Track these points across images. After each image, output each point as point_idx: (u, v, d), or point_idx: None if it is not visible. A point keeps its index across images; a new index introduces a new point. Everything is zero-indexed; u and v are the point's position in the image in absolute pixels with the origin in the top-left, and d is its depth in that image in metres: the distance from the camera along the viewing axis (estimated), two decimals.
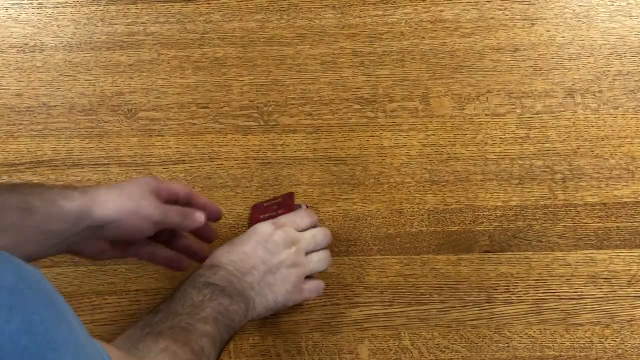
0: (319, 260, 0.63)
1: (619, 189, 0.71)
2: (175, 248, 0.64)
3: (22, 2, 0.82)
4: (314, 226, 0.65)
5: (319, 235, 0.64)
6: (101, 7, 0.82)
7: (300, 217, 0.65)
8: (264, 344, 0.66)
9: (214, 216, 0.66)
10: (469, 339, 0.66)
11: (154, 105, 0.77)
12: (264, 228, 0.62)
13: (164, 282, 0.69)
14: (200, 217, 0.61)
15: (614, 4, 0.79)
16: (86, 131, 0.76)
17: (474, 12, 0.80)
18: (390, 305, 0.67)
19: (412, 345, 0.66)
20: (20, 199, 0.51)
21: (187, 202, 0.62)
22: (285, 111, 0.76)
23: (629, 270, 0.68)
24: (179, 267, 0.63)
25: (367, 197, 0.72)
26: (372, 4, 0.81)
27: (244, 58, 0.79)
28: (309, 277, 0.63)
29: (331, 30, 0.80)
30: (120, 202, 0.55)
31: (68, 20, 0.81)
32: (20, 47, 0.80)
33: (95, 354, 0.37)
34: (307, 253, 0.63)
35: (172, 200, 0.61)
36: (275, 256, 0.60)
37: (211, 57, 0.79)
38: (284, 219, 0.64)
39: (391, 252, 0.69)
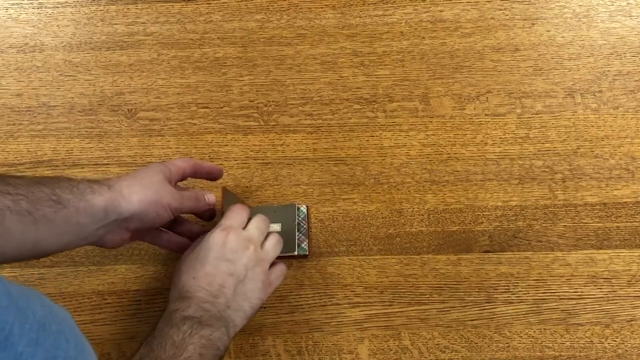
0: (273, 246, 0.63)
1: (619, 189, 0.71)
2: (179, 232, 0.65)
3: (22, 2, 0.82)
4: (250, 217, 0.64)
5: (260, 222, 0.63)
6: (101, 7, 0.82)
7: (239, 214, 0.63)
8: (264, 344, 0.66)
9: (219, 176, 0.68)
10: (469, 339, 0.66)
11: (154, 105, 0.77)
12: (216, 239, 0.60)
13: (163, 282, 0.69)
14: (210, 198, 0.64)
15: (614, 4, 0.79)
16: (86, 131, 0.76)
17: (474, 12, 0.80)
18: (390, 305, 0.67)
19: (412, 345, 0.66)
20: (51, 192, 0.52)
21: (193, 173, 0.64)
22: (285, 111, 0.76)
23: (629, 270, 0.68)
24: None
25: (367, 197, 0.72)
26: (372, 4, 0.81)
27: (244, 58, 0.79)
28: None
29: (331, 30, 0.80)
30: (143, 193, 0.56)
31: (68, 20, 0.81)
32: (20, 47, 0.80)
33: None
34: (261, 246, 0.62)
35: (181, 178, 0.63)
36: (238, 263, 0.59)
37: (211, 57, 0.79)
38: (227, 221, 0.62)
39: (391, 252, 0.69)
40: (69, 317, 0.36)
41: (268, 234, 0.64)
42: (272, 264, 0.63)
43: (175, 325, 0.54)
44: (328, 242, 0.69)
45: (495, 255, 0.69)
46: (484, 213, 0.71)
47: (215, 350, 0.55)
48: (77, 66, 0.79)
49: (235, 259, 0.59)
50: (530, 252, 0.69)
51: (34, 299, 0.33)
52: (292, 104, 0.76)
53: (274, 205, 0.71)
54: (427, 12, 0.80)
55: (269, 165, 0.74)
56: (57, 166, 0.74)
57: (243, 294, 0.59)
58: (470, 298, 0.67)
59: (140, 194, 0.56)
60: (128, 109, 0.77)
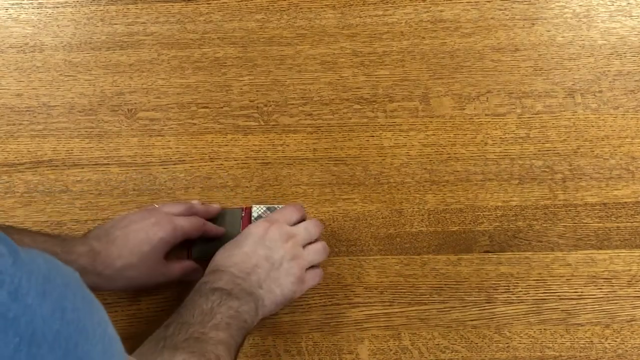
0: (316, 251, 0.64)
1: (619, 189, 0.71)
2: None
3: (22, 2, 0.82)
4: (304, 219, 0.65)
5: (311, 227, 0.64)
6: (101, 7, 0.82)
7: (290, 212, 0.65)
8: (264, 344, 0.66)
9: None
10: (469, 339, 0.66)
11: (154, 105, 0.77)
12: (258, 228, 0.62)
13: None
14: (196, 274, 0.65)
15: (614, 4, 0.79)
16: (86, 131, 0.76)
17: (474, 12, 0.80)
18: (390, 305, 0.67)
19: (412, 345, 0.66)
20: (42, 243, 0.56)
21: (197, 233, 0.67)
22: (285, 111, 0.76)
23: (629, 270, 0.68)
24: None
25: (367, 197, 0.72)
26: (372, 4, 0.81)
27: (244, 58, 0.79)
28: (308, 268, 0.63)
29: (331, 30, 0.80)
30: (132, 275, 0.60)
31: (68, 20, 0.81)
32: (20, 47, 0.80)
33: (121, 351, 0.37)
34: (303, 246, 0.63)
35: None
36: (275, 252, 0.60)
37: (211, 57, 0.79)
38: (275, 215, 0.64)
39: (391, 252, 0.69)
40: (76, 275, 0.36)
41: (317, 240, 0.65)
42: (310, 268, 0.64)
43: (204, 295, 0.55)
44: (328, 242, 0.69)
45: (495, 256, 0.69)
46: (484, 213, 0.71)
47: (242, 322, 0.55)
48: (77, 66, 0.79)
49: (273, 247, 0.60)
50: (530, 252, 0.69)
51: (37, 254, 0.34)
52: (292, 104, 0.76)
53: (223, 209, 0.71)
54: (427, 12, 0.80)
55: (269, 165, 0.74)
56: (57, 166, 0.74)
57: (276, 279, 0.60)
58: (471, 298, 0.67)
59: (129, 277, 0.60)
60: (128, 109, 0.77)
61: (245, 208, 0.71)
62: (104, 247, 0.58)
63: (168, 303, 0.67)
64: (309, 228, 0.64)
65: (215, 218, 0.70)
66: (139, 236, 0.60)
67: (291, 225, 0.64)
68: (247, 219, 0.70)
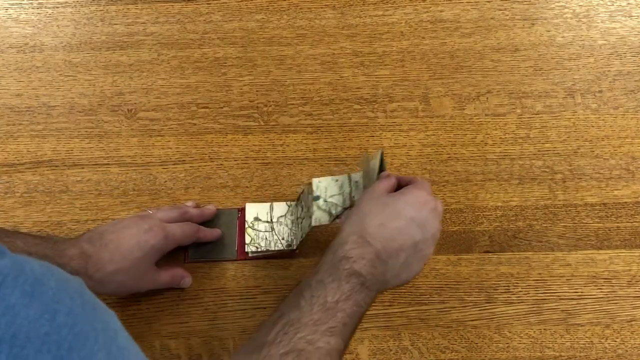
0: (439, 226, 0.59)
1: (619, 189, 0.71)
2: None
3: (22, 2, 0.82)
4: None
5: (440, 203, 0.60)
6: (101, 7, 0.82)
7: (428, 185, 0.59)
8: None
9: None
10: (469, 339, 0.66)
11: (154, 105, 0.77)
12: (421, 198, 0.56)
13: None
14: (186, 282, 0.67)
15: (614, 4, 0.79)
16: (86, 131, 0.76)
17: (474, 12, 0.80)
18: (390, 305, 0.67)
19: (412, 345, 0.66)
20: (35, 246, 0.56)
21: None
22: (285, 111, 0.76)
23: (629, 270, 0.68)
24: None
25: None
26: (372, 4, 0.81)
27: (244, 58, 0.79)
28: None
29: (331, 30, 0.80)
30: (122, 280, 0.60)
31: (68, 20, 0.81)
32: (20, 47, 0.80)
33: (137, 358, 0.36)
34: None
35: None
36: (425, 235, 0.55)
37: (211, 57, 0.79)
38: (426, 185, 0.58)
39: None
40: (79, 282, 0.35)
41: None
42: None
43: (337, 280, 0.51)
44: (328, 242, 0.69)
45: (495, 256, 0.69)
46: (484, 213, 0.71)
47: (360, 316, 0.52)
48: (77, 66, 0.79)
49: (426, 230, 0.55)
50: (530, 252, 0.69)
51: (31, 260, 0.33)
52: (292, 104, 0.76)
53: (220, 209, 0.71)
54: (427, 12, 0.80)
55: (269, 165, 0.74)
56: (57, 166, 0.74)
57: (409, 264, 0.55)
58: (470, 298, 0.67)
59: (120, 283, 0.60)
60: (128, 109, 0.77)
61: (241, 209, 0.71)
62: (96, 250, 0.58)
63: (168, 303, 0.67)
64: (440, 204, 0.59)
65: (211, 220, 0.70)
66: (131, 242, 0.60)
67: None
68: (243, 220, 0.70)
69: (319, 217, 0.64)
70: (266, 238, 0.69)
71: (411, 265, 0.56)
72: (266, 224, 0.70)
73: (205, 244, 0.68)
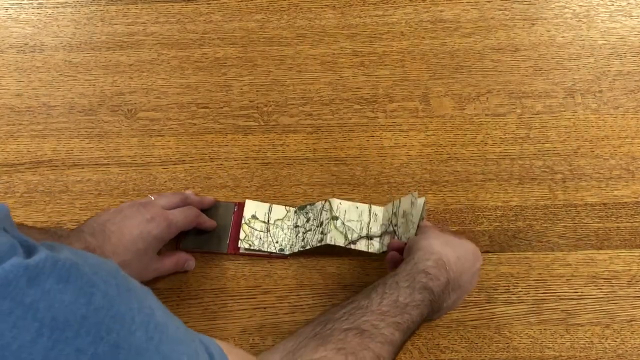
0: None
1: (619, 189, 0.71)
2: None
3: (22, 2, 0.82)
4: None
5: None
6: (101, 7, 0.82)
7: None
8: (264, 344, 0.66)
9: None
10: (469, 339, 0.66)
11: (154, 105, 0.77)
12: (476, 252, 0.60)
13: (164, 282, 0.69)
14: (190, 265, 0.68)
15: (614, 4, 0.79)
16: (86, 131, 0.76)
17: (474, 12, 0.80)
18: None
19: (412, 345, 0.66)
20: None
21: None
22: (285, 111, 0.76)
23: (629, 270, 0.68)
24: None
25: (367, 197, 0.72)
26: (372, 4, 0.81)
27: (244, 58, 0.79)
28: None
29: (331, 30, 0.80)
30: (125, 272, 0.60)
31: (68, 20, 0.81)
32: (20, 47, 0.80)
33: (177, 338, 0.36)
34: None
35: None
36: (478, 262, 0.60)
37: (211, 57, 0.79)
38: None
39: None
40: (113, 265, 0.36)
41: None
42: None
43: (411, 286, 0.53)
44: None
45: (495, 256, 0.69)
46: (484, 213, 0.71)
47: (415, 328, 0.53)
48: (77, 66, 0.79)
49: (478, 257, 0.60)
50: (530, 252, 0.69)
51: (65, 247, 0.34)
52: (292, 104, 0.76)
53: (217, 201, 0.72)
54: (427, 12, 0.80)
55: (269, 165, 0.74)
56: (57, 166, 0.74)
57: (461, 287, 0.58)
58: (470, 298, 0.67)
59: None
60: (128, 109, 0.77)
61: (238, 203, 0.71)
62: (99, 244, 0.58)
63: (168, 303, 0.67)
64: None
65: (208, 209, 0.70)
66: (134, 233, 0.60)
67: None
68: (239, 214, 0.70)
69: (335, 237, 0.67)
70: (260, 238, 0.69)
71: (462, 288, 0.58)
72: (262, 224, 0.70)
73: (198, 234, 0.69)
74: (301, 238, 0.68)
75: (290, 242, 0.69)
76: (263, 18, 0.80)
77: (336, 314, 0.50)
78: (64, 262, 0.32)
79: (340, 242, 0.66)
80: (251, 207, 0.71)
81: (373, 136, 0.74)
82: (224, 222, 0.70)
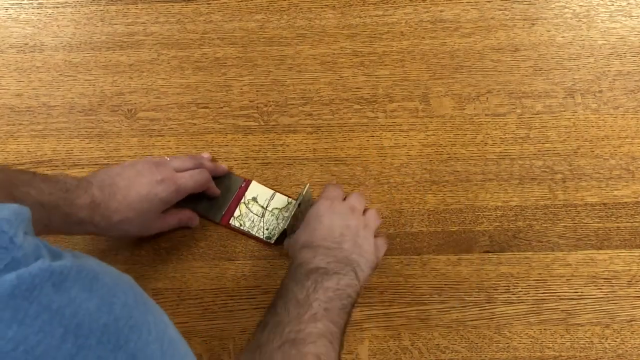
0: (373, 217, 0.65)
1: (619, 189, 0.71)
2: None
3: (22, 2, 0.82)
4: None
5: (358, 196, 0.66)
6: (101, 7, 0.82)
7: (335, 189, 0.66)
8: None
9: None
10: (469, 339, 0.66)
11: (154, 105, 0.77)
12: (324, 205, 0.63)
13: (164, 282, 0.69)
14: (194, 221, 0.69)
15: (614, 4, 0.79)
16: (86, 131, 0.76)
17: (474, 12, 0.80)
18: (390, 305, 0.67)
19: (412, 345, 0.66)
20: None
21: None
22: (285, 111, 0.76)
23: (629, 270, 0.68)
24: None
25: (367, 197, 0.72)
26: (372, 4, 0.81)
27: (244, 58, 0.79)
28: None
29: (331, 30, 0.80)
30: (128, 228, 0.61)
31: (68, 20, 0.81)
32: (20, 47, 0.80)
33: (188, 354, 0.37)
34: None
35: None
36: (350, 221, 0.61)
37: (211, 57, 0.79)
38: (328, 194, 0.65)
39: (391, 252, 0.69)
40: (130, 278, 0.37)
41: (366, 208, 0.66)
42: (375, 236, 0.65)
43: (299, 282, 0.55)
44: None
45: (495, 256, 0.69)
46: (484, 213, 0.71)
47: (344, 299, 0.55)
48: (77, 66, 0.79)
49: (347, 218, 0.62)
50: (530, 252, 0.69)
51: (89, 257, 0.35)
52: (292, 104, 0.76)
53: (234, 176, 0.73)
54: (427, 12, 0.80)
55: (269, 165, 0.74)
56: (57, 166, 0.74)
57: (360, 246, 0.61)
58: (470, 298, 0.67)
59: (128, 228, 0.61)
60: (128, 109, 0.77)
61: (246, 180, 0.72)
62: (105, 199, 0.58)
63: (168, 303, 0.67)
64: (358, 199, 0.65)
65: (217, 177, 0.71)
66: (141, 192, 0.60)
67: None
68: (244, 191, 0.71)
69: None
70: (253, 221, 0.70)
71: (363, 246, 0.61)
72: (260, 209, 0.71)
73: (199, 197, 0.69)
74: (284, 223, 0.69)
75: (277, 230, 0.70)
76: (263, 18, 0.80)
77: (261, 338, 0.51)
78: (88, 272, 0.33)
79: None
80: (255, 189, 0.72)
81: (373, 136, 0.74)
82: (228, 194, 0.71)
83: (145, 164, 0.62)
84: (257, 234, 0.69)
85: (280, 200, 0.71)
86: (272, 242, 0.69)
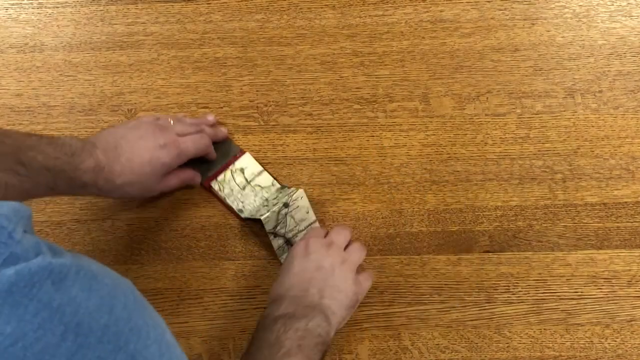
0: (356, 250, 0.65)
1: (619, 189, 0.71)
2: None
3: (22, 2, 0.82)
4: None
5: (342, 231, 0.66)
6: (101, 7, 0.82)
7: (317, 231, 0.66)
8: None
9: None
10: (469, 339, 0.66)
11: (154, 105, 0.77)
12: (298, 247, 0.63)
13: (164, 282, 0.69)
14: (197, 179, 0.70)
15: (614, 4, 0.79)
16: (86, 131, 0.76)
17: (474, 12, 0.80)
18: (390, 305, 0.67)
19: (412, 345, 0.66)
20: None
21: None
22: (285, 111, 0.76)
23: (629, 270, 0.68)
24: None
25: (367, 197, 0.72)
26: (372, 4, 0.81)
27: (244, 58, 0.79)
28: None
29: (331, 30, 0.80)
30: (130, 190, 0.62)
31: (68, 20, 0.81)
32: (20, 47, 0.80)
33: (182, 356, 0.37)
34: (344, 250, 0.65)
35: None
36: (324, 260, 0.61)
37: (211, 57, 0.79)
38: (309, 233, 0.66)
39: (391, 252, 0.69)
40: (129, 282, 0.37)
41: (350, 241, 0.66)
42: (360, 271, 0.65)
43: (267, 328, 0.56)
44: None
45: (495, 255, 0.69)
46: (484, 213, 0.71)
47: (316, 338, 0.55)
48: (77, 66, 0.79)
49: (320, 258, 0.61)
50: (530, 252, 0.69)
51: (89, 259, 0.35)
52: (292, 104, 0.76)
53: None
54: (427, 12, 0.80)
55: (269, 165, 0.74)
56: None
57: (335, 286, 0.60)
58: (470, 298, 0.67)
59: (125, 191, 0.62)
60: (128, 109, 0.77)
61: (242, 151, 0.73)
62: (109, 162, 0.59)
63: (168, 303, 0.67)
64: (340, 232, 0.65)
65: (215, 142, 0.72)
66: (144, 157, 0.62)
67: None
68: (233, 160, 0.72)
69: (269, 218, 0.67)
70: (232, 190, 0.71)
71: (338, 285, 0.60)
72: (243, 181, 0.71)
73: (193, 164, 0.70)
74: (263, 207, 0.69)
75: (252, 209, 0.70)
76: (263, 18, 0.80)
77: None
78: (87, 271, 0.33)
79: (269, 226, 0.67)
80: (246, 161, 0.73)
81: (373, 136, 0.74)
82: (221, 159, 0.72)
83: (149, 127, 0.64)
84: (231, 204, 0.70)
85: (266, 179, 0.72)
86: (243, 216, 0.69)
